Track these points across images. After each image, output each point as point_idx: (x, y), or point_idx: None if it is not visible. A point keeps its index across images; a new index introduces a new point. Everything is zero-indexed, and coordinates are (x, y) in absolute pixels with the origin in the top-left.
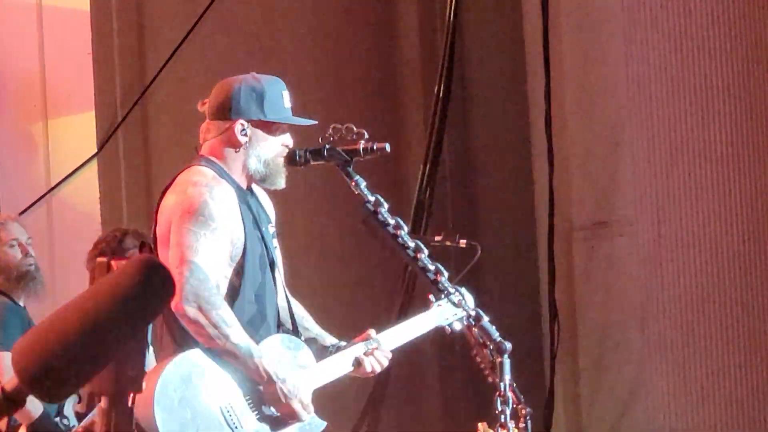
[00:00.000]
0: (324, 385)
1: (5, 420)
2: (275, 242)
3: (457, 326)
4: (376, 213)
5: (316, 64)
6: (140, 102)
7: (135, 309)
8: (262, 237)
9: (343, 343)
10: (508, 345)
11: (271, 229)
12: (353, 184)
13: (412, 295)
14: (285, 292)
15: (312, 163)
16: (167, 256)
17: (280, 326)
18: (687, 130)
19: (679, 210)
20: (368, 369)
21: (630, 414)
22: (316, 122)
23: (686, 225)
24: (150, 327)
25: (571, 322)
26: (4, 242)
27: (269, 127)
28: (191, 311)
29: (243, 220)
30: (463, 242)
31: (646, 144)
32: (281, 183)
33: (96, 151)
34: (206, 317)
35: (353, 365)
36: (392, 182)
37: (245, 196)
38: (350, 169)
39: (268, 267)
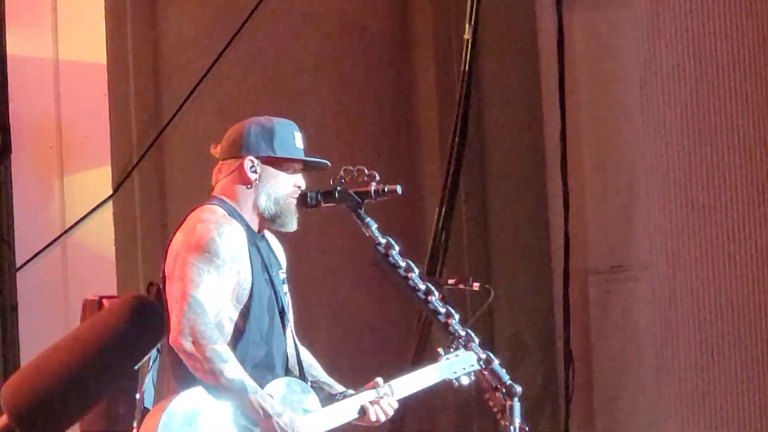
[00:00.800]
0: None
1: None
2: (285, 288)
3: (465, 381)
4: (387, 255)
5: (333, 108)
6: (156, 144)
7: (124, 348)
8: (272, 281)
9: (351, 392)
10: (518, 388)
11: (282, 275)
12: (364, 226)
13: (426, 341)
14: (294, 339)
15: (323, 204)
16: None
17: (287, 373)
18: (703, 173)
19: (694, 253)
20: (373, 418)
21: None
22: (328, 163)
23: (702, 269)
24: (155, 364)
25: (586, 367)
26: None
27: (279, 164)
28: (187, 345)
29: (251, 261)
30: (476, 285)
31: (661, 188)
32: (293, 224)
33: (111, 192)
34: (201, 351)
35: (358, 413)
36: (408, 226)
37: (255, 238)
38: (361, 212)
39: (277, 312)
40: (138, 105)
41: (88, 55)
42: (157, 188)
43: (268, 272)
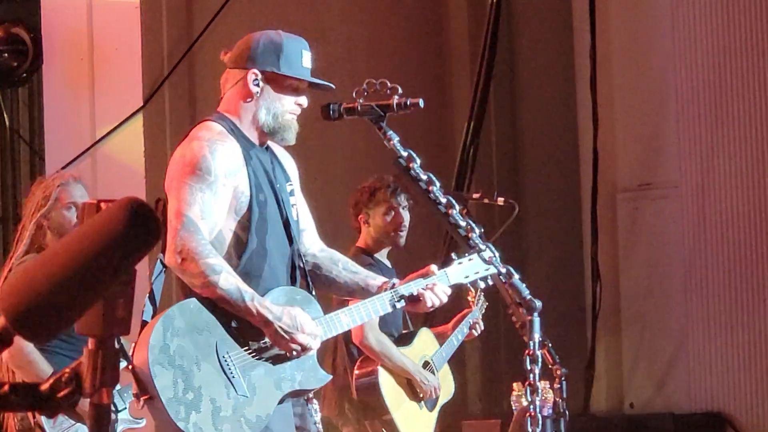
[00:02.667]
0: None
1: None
2: (293, 200)
3: (481, 284)
4: (408, 168)
5: (364, 21)
6: (187, 57)
7: (119, 250)
8: (275, 193)
9: (396, 280)
10: (538, 303)
11: (289, 187)
12: (386, 139)
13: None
14: (298, 250)
15: (346, 117)
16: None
17: (293, 283)
18: (732, 92)
19: (723, 173)
20: (429, 303)
21: (671, 377)
22: (332, 85)
23: (731, 188)
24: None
25: (613, 283)
26: (62, 204)
27: (282, 82)
28: (180, 262)
29: (250, 175)
30: (501, 200)
31: (691, 106)
32: (291, 138)
33: (142, 105)
34: (194, 267)
35: (408, 301)
36: (437, 139)
37: (256, 151)
38: (383, 124)
39: (281, 223)
40: (169, 18)
41: None
42: (187, 101)
43: (271, 184)
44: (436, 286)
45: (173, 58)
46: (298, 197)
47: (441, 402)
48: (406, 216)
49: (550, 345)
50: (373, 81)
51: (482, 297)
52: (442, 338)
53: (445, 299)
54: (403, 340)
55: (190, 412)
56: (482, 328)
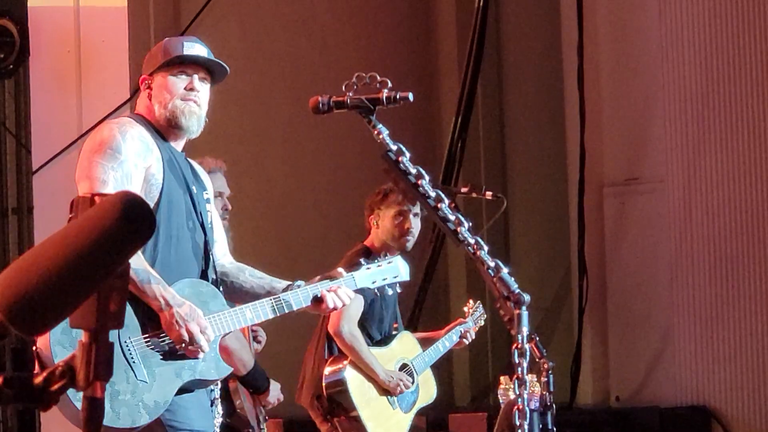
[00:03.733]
0: None
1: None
2: (209, 207)
3: (389, 291)
4: (397, 162)
5: (352, 15)
6: None
7: (113, 244)
8: (189, 190)
9: (301, 282)
10: (527, 297)
11: (205, 195)
12: (376, 132)
13: (440, 251)
14: (213, 258)
15: (335, 110)
16: None
17: (205, 278)
18: (719, 87)
19: (710, 168)
20: (331, 305)
21: (657, 371)
22: (219, 62)
23: (717, 183)
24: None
25: (600, 278)
26: None
27: (165, 74)
28: None
29: (162, 161)
30: (489, 194)
31: (678, 101)
32: (188, 127)
33: (128, 97)
34: None
35: (311, 302)
36: (425, 134)
37: (171, 151)
38: (373, 118)
39: (196, 223)
40: (156, 10)
41: None
42: None
43: (186, 181)
44: (339, 289)
45: None
46: (213, 208)
47: (419, 405)
48: (415, 223)
49: (537, 339)
50: (363, 75)
51: (480, 310)
52: (430, 343)
53: (348, 302)
54: (382, 342)
55: None
56: (473, 338)
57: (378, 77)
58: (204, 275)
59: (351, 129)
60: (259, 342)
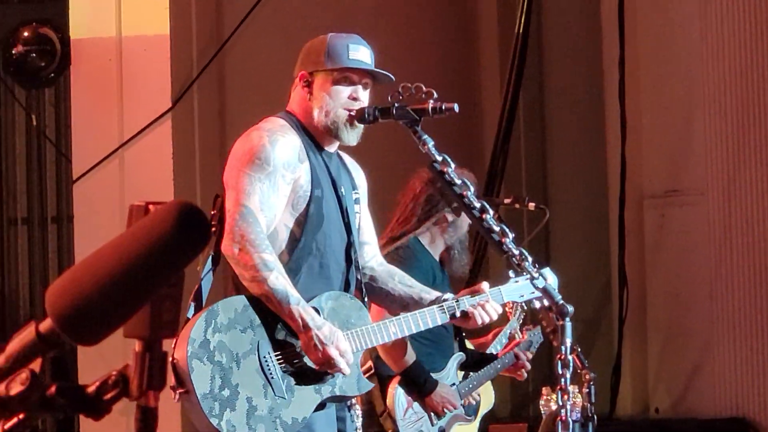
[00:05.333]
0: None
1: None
2: (357, 208)
3: (536, 304)
4: (443, 173)
5: (393, 23)
6: (216, 58)
7: (168, 253)
8: (337, 196)
9: (450, 295)
10: (570, 308)
11: (355, 195)
12: (421, 143)
13: (482, 261)
14: (355, 259)
15: (380, 120)
16: None
17: (346, 289)
18: (760, 98)
19: (751, 179)
20: (479, 321)
21: (696, 382)
22: (388, 74)
23: (757, 194)
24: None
25: (640, 290)
26: None
27: (329, 77)
28: (236, 252)
29: (311, 171)
30: (531, 205)
31: (719, 113)
32: (348, 137)
33: (170, 106)
34: (248, 259)
35: (459, 316)
36: (467, 145)
37: (320, 152)
38: (418, 128)
39: (343, 228)
40: (199, 19)
41: None
42: (216, 103)
43: (334, 186)
44: (487, 304)
45: (202, 59)
46: (363, 208)
47: (482, 411)
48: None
49: (579, 350)
50: (408, 85)
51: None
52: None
53: (495, 317)
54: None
55: (224, 409)
56: (521, 338)
57: (423, 88)
58: (346, 281)
59: (394, 139)
60: None
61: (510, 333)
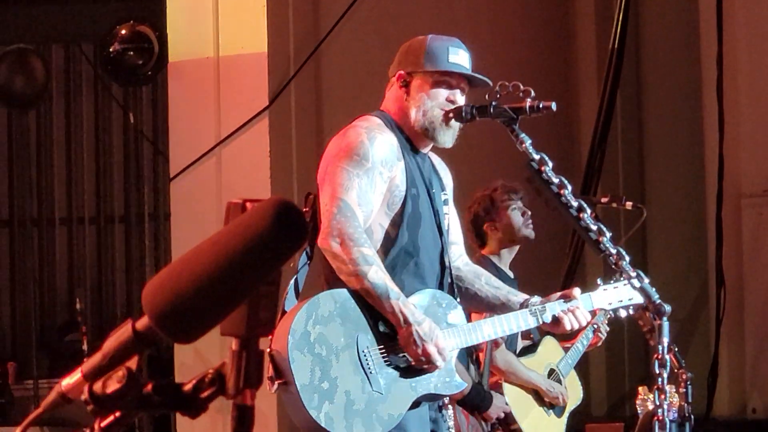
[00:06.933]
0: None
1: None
2: (446, 209)
3: (622, 313)
4: (540, 171)
5: (491, 23)
6: (313, 56)
7: (265, 251)
8: (429, 197)
9: (537, 298)
10: (668, 307)
11: (443, 196)
12: (518, 141)
13: (578, 261)
14: (448, 258)
15: (478, 118)
16: None
17: (442, 287)
18: None
19: None
20: (568, 327)
21: None
22: (487, 79)
23: None
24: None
25: (737, 290)
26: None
27: (428, 80)
28: (335, 246)
29: (406, 171)
30: (629, 204)
31: None
32: (445, 139)
33: (267, 104)
34: (347, 253)
35: (551, 320)
36: (564, 145)
37: (414, 153)
38: (516, 127)
39: (436, 227)
40: (296, 17)
41: None
42: (313, 100)
43: (426, 187)
44: (577, 310)
45: (299, 57)
46: (451, 209)
47: (569, 408)
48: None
49: (676, 349)
50: (506, 83)
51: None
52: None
53: (584, 323)
54: (528, 349)
55: (323, 401)
56: (608, 330)
57: (521, 86)
58: (440, 282)
59: (491, 137)
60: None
61: (596, 327)
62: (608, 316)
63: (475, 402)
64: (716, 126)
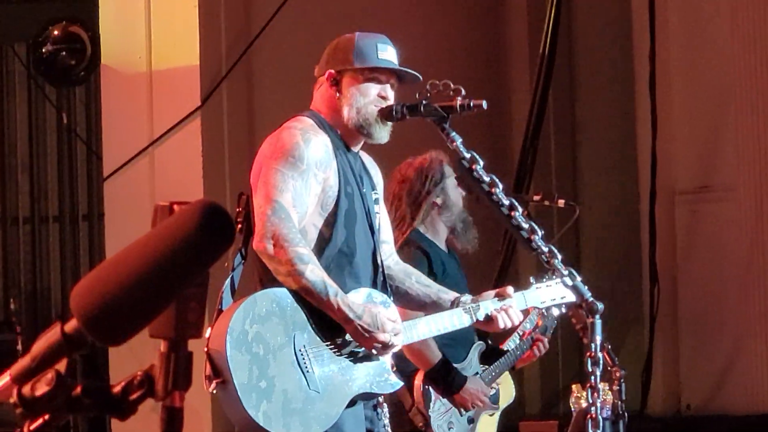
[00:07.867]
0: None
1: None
2: (377, 209)
3: (554, 312)
4: (471, 170)
5: (422, 22)
6: (245, 56)
7: (193, 253)
8: (361, 196)
9: (467, 297)
10: (600, 305)
11: (374, 195)
12: (449, 140)
13: (510, 261)
14: (380, 257)
15: (408, 117)
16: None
17: (376, 286)
18: None
19: None
20: (501, 325)
21: (728, 379)
22: (414, 72)
23: None
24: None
25: (671, 286)
26: None
27: (358, 77)
28: (270, 248)
29: (339, 171)
30: (561, 202)
31: (750, 108)
32: (380, 135)
33: (199, 104)
34: (283, 254)
35: (483, 318)
36: (496, 142)
37: (347, 152)
38: (447, 126)
39: (367, 227)
40: (228, 17)
41: None
42: (245, 101)
43: (358, 187)
44: (510, 309)
45: (231, 57)
46: (382, 208)
47: (502, 405)
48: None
49: (609, 347)
50: (436, 82)
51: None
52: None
53: (517, 322)
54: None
55: (261, 400)
56: (547, 348)
57: (452, 85)
58: (374, 281)
59: (422, 136)
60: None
61: (521, 333)
62: (554, 326)
63: (444, 377)
64: (649, 122)
